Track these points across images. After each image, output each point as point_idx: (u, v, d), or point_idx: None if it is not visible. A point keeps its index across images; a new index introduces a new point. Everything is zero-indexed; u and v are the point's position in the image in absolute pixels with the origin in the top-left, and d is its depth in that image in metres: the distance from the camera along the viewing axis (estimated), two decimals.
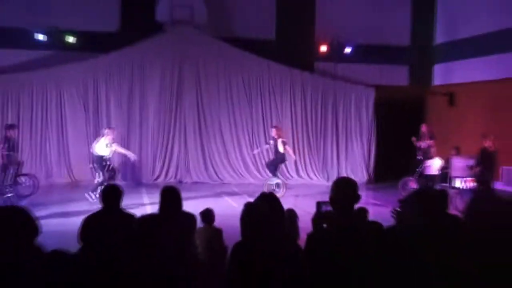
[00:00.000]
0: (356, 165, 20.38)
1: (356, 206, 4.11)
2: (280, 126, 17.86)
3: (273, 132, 16.48)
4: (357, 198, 4.03)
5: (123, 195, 5.82)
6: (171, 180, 18.89)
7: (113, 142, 14.84)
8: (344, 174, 19.47)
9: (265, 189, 14.91)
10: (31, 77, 18.37)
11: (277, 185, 16.10)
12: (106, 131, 15.02)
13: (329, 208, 4.18)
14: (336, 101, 20.39)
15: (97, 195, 13.97)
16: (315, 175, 20.07)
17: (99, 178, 14.70)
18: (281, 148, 15.95)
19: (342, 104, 20.43)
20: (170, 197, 5.76)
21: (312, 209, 5.00)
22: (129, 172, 18.98)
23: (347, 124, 20.48)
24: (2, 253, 3.49)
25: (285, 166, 19.90)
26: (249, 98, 19.88)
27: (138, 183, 18.43)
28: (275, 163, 16.28)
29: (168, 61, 19.16)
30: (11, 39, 18.73)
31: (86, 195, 14.55)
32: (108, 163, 14.80)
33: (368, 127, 20.49)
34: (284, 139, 16.43)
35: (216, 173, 19.40)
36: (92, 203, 13.41)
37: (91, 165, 15.38)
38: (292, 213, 6.35)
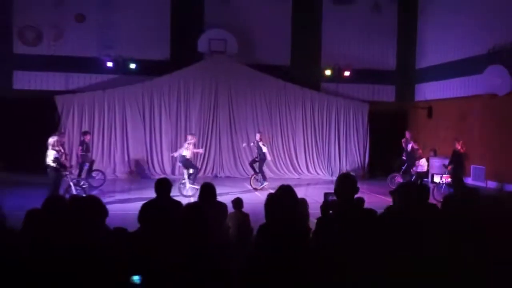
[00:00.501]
0: (354, 163, 20.24)
1: (355, 196, 4.07)
2: (263, 132, 17.42)
3: (258, 137, 15.87)
4: (356, 190, 3.99)
5: (172, 187, 5.83)
6: (208, 175, 18.97)
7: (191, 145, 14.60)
8: (344, 170, 19.38)
9: (251, 184, 14.62)
10: (101, 95, 18.58)
11: (260, 180, 15.57)
12: (190, 137, 14.82)
13: (334, 198, 4.14)
14: (338, 113, 20.29)
15: (189, 187, 13.87)
16: (322, 171, 19.97)
17: (188, 173, 14.22)
18: (264, 149, 15.51)
19: (343, 115, 20.32)
20: (208, 190, 5.80)
21: (320, 199, 4.96)
22: (177, 168, 19.09)
23: (347, 131, 20.38)
24: (82, 230, 3.54)
25: (298, 163, 19.86)
26: (269, 111, 19.86)
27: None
28: (259, 161, 15.78)
29: (207, 83, 19.22)
30: (86, 66, 18.99)
31: (182, 185, 14.00)
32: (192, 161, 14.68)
33: (363, 134, 20.34)
34: (264, 143, 15.90)
35: (244, 169, 19.42)
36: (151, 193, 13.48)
37: (180, 164, 14.79)
38: (304, 202, 6.32)
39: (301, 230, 3.59)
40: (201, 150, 16.26)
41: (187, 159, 14.25)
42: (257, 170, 15.57)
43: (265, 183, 15.30)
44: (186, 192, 13.69)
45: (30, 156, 15.84)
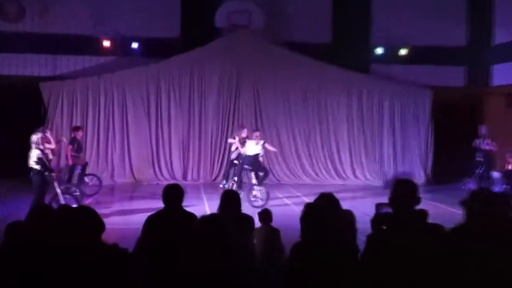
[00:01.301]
0: (414, 166, 20.04)
1: (416, 207, 4.01)
2: (261, 129, 17.04)
3: (244, 133, 15.30)
4: (417, 199, 3.93)
5: (184, 195, 5.85)
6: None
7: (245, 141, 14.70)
8: (401, 175, 19.17)
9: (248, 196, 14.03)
10: (96, 82, 18.82)
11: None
12: (257, 133, 14.78)
13: (389, 209, 4.09)
14: (392, 102, 20.10)
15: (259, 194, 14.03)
16: (372, 176, 19.86)
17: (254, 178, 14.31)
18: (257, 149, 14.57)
19: (399, 105, 20.13)
20: (231, 199, 5.81)
21: (370, 211, 4.91)
22: (190, 173, 19.24)
23: (404, 125, 20.17)
24: (73, 248, 3.58)
25: (341, 166, 19.81)
26: (305, 100, 19.83)
27: (197, 183, 18.67)
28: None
29: (226, 65, 19.28)
30: (79, 46, 19.18)
31: (251, 193, 14.04)
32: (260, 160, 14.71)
33: (425, 128, 20.12)
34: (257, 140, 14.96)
35: (273, 174, 19.40)
36: (156, 202, 13.61)
37: (247, 166, 14.62)
38: (349, 214, 6.26)
39: (346, 250, 3.56)
40: (273, 149, 15.96)
41: (258, 159, 14.33)
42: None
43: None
44: (257, 203, 13.70)
45: (9, 156, 16.14)
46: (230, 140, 16.09)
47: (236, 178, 14.66)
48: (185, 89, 19.28)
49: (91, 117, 18.83)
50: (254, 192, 13.99)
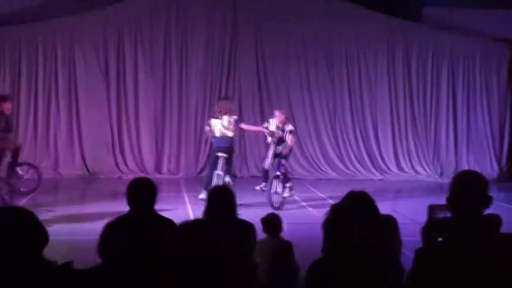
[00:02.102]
0: (483, 154, 20.19)
1: (486, 211, 4.04)
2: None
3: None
4: (487, 200, 3.96)
5: (157, 194, 5.89)
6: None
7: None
8: (465, 167, 19.24)
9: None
10: (31, 31, 18.79)
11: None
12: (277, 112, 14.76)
13: (446, 214, 4.12)
14: (452, 63, 20.16)
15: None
16: (423, 168, 19.97)
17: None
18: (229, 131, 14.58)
19: (462, 67, 20.18)
20: (220, 199, 5.84)
21: (420, 216, 4.96)
22: (166, 163, 19.35)
23: (470, 96, 20.30)
24: (4, 268, 3.60)
25: (380, 154, 19.86)
26: (329, 62, 19.91)
27: (176, 177, 18.82)
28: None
29: (218, 9, 19.35)
30: None
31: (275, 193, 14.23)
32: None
33: (500, 100, 20.25)
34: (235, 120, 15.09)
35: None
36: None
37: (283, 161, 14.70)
38: (391, 221, 6.30)
39: (385, 270, 3.59)
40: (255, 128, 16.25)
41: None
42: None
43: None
44: (280, 204, 13.93)
45: None
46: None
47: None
48: (159, 44, 19.30)
49: (25, 83, 18.86)
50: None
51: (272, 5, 19.39)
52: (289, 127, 14.58)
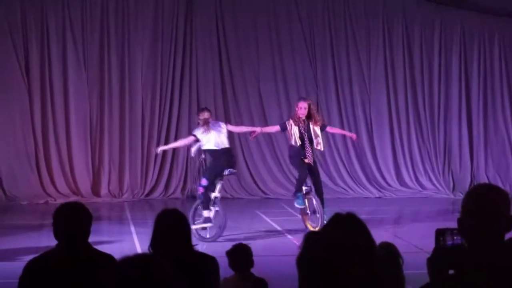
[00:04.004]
0: (505, 162, 20.37)
1: (508, 235, 4.05)
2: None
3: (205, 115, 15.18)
4: (509, 221, 3.96)
5: (91, 221, 5.85)
6: (175, 196, 19.24)
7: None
8: (484, 180, 19.37)
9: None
10: None
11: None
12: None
13: (458, 240, 4.12)
14: (465, 47, 20.41)
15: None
16: (431, 182, 20.14)
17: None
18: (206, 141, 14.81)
19: (477, 52, 20.43)
20: (170, 226, 5.80)
21: (428, 242, 4.96)
22: (105, 183, 19.32)
23: (487, 88, 20.53)
24: None
25: (378, 167, 19.91)
26: (310, 45, 20.10)
27: (118, 201, 18.77)
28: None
29: None
30: None
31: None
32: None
33: None
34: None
35: (256, 183, 19.66)
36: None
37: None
38: (391, 251, 6.31)
39: None
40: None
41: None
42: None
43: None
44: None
45: None
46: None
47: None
48: (94, 30, 19.34)
49: None
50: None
51: None
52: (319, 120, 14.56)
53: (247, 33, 19.82)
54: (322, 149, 14.73)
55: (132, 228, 15.17)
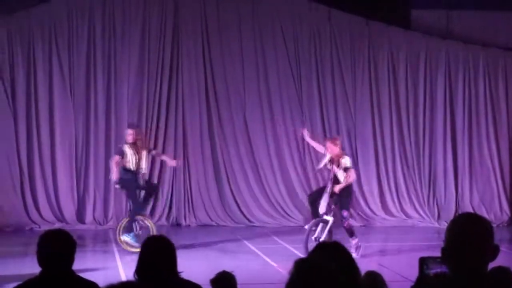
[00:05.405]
0: (490, 191, 20.35)
1: (492, 264, 4.04)
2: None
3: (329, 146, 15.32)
4: (492, 250, 3.96)
5: (75, 248, 5.82)
6: (160, 223, 19.13)
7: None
8: (468, 208, 19.39)
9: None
10: None
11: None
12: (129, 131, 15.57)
13: (442, 268, 4.12)
14: (450, 76, 20.42)
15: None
16: (416, 211, 20.14)
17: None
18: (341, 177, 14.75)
19: (462, 81, 20.43)
20: (156, 253, 5.77)
21: (413, 271, 4.95)
22: (90, 210, 19.24)
23: (472, 116, 20.49)
24: None
25: (362, 195, 19.87)
26: (295, 70, 20.10)
27: (103, 228, 18.77)
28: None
29: (155, 6, 19.54)
30: None
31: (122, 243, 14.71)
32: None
33: (509, 122, 20.48)
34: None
35: (241, 210, 19.61)
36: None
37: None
38: (376, 279, 6.31)
39: None
40: (170, 161, 17.02)
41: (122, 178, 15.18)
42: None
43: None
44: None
45: None
46: None
47: None
48: (80, 54, 19.27)
49: None
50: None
51: (221, 4, 19.70)
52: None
53: (233, 58, 19.83)
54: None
55: (117, 256, 15.13)
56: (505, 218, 19.70)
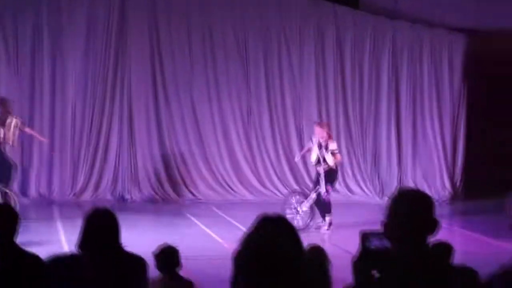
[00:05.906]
0: (432, 168, 20.54)
1: (433, 239, 4.09)
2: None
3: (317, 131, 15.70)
4: (432, 225, 3.99)
5: (18, 221, 5.78)
6: (104, 197, 19.09)
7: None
8: (410, 184, 19.52)
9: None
10: None
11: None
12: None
13: (384, 243, 4.14)
14: (395, 56, 20.54)
15: None
16: (359, 186, 20.30)
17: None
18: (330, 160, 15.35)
19: (407, 61, 20.58)
20: (99, 225, 5.74)
21: (354, 245, 4.98)
22: (32, 181, 19.11)
23: (416, 95, 20.68)
24: None
25: (307, 171, 19.90)
26: (242, 51, 20.09)
27: (47, 201, 18.61)
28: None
29: None
30: None
31: None
32: None
33: (452, 101, 20.64)
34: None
35: (186, 185, 19.60)
36: None
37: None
38: (319, 253, 6.34)
39: None
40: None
41: None
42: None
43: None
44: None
45: None
46: None
47: None
48: (27, 27, 19.11)
49: None
50: None
51: None
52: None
53: (181, 40, 19.74)
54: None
55: (60, 228, 15.05)
56: (447, 194, 19.83)
